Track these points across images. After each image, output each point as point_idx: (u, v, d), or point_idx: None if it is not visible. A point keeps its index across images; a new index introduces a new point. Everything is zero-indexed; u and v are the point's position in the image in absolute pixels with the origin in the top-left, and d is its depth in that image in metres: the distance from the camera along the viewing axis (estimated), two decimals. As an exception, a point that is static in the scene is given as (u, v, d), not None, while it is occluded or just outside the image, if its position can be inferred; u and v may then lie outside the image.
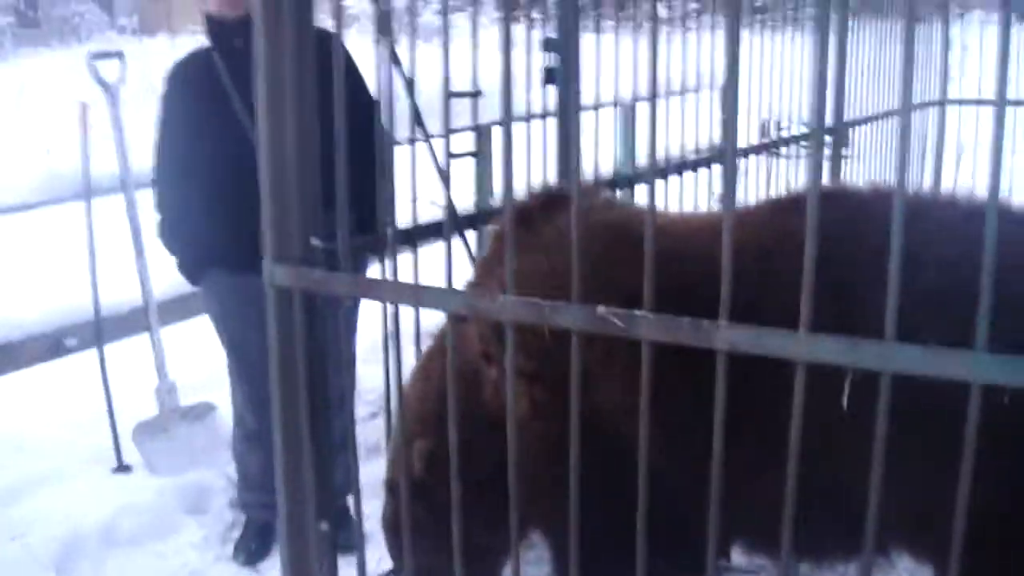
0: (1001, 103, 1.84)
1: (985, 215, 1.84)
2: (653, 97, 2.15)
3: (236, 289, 4.15)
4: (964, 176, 7.82)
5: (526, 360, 2.66)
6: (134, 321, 5.37)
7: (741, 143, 6.13)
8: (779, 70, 6.00)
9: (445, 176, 2.72)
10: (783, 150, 6.73)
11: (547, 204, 3.05)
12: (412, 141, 3.56)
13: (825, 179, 6.89)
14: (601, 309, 2.16)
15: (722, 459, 2.12)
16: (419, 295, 2.48)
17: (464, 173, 4.00)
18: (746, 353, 2.04)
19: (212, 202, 4.09)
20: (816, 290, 2.15)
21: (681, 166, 5.33)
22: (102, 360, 5.17)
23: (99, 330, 5.15)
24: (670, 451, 2.61)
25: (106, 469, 5.11)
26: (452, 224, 2.47)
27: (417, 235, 3.40)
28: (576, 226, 2.20)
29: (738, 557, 3.62)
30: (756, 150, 6.20)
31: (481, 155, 4.32)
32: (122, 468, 5.11)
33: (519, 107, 3.78)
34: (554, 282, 2.45)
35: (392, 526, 3.28)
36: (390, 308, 2.59)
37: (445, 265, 2.42)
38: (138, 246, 5.20)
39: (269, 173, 2.76)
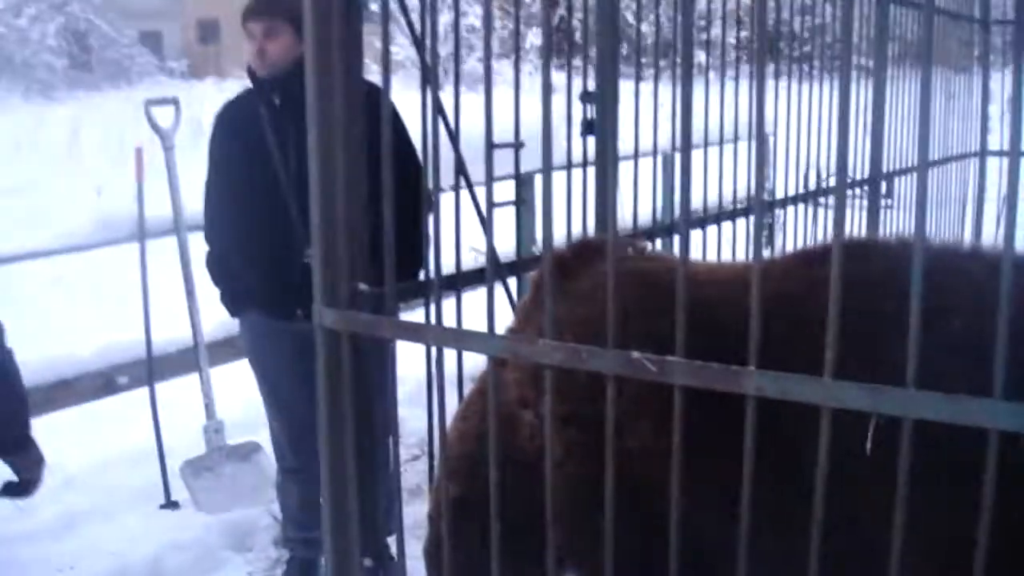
0: (1016, 153, 1.93)
1: (1005, 268, 1.93)
2: (687, 147, 2.26)
3: (270, 330, 4.26)
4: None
5: (560, 404, 2.75)
6: (184, 360, 5.51)
7: (781, 193, 6.20)
8: (822, 120, 6.03)
9: (487, 224, 2.81)
10: (823, 200, 6.78)
11: (583, 253, 3.14)
12: (456, 189, 3.71)
13: (865, 229, 6.95)
14: (635, 354, 2.25)
15: (751, 503, 2.21)
16: (461, 339, 2.59)
17: (506, 221, 4.10)
18: (773, 397, 2.13)
19: (246, 245, 4.22)
20: (843, 338, 2.23)
21: (720, 216, 5.40)
22: (152, 398, 5.31)
23: (150, 368, 5.29)
24: (698, 495, 2.68)
25: (154, 505, 5.23)
26: (493, 270, 2.57)
27: (460, 281, 3.51)
28: (610, 274, 2.31)
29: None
30: (795, 200, 6.24)
31: (522, 203, 4.44)
32: (170, 504, 5.23)
33: (559, 156, 3.89)
34: (588, 329, 2.54)
35: (432, 557, 3.36)
36: (433, 352, 2.70)
37: (487, 310, 2.53)
38: (189, 287, 5.35)
39: (320, 220, 2.88)
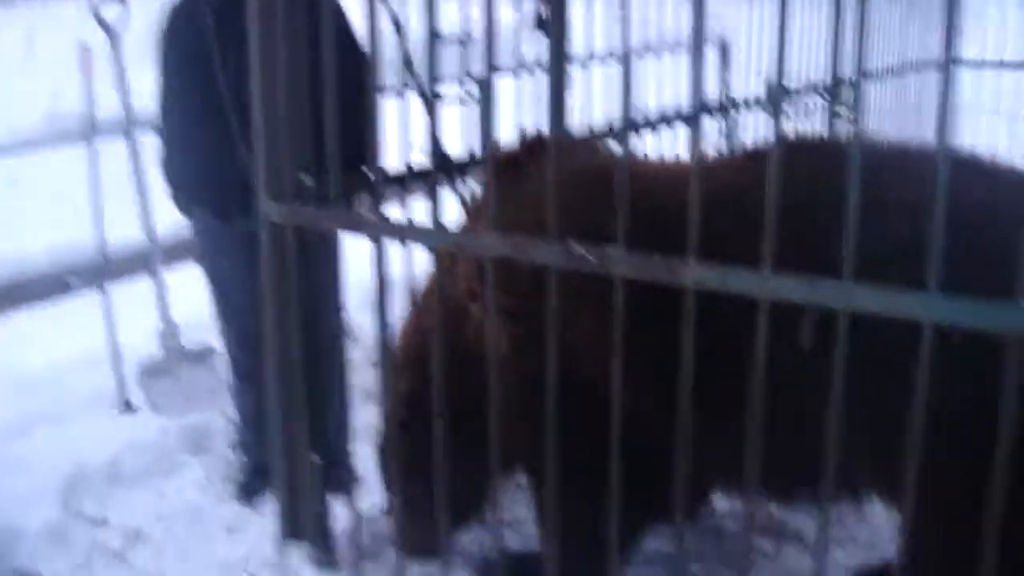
0: (947, 64, 1.93)
1: (941, 165, 1.93)
2: (627, 51, 2.23)
3: (218, 232, 4.21)
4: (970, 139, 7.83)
5: (506, 298, 2.74)
6: (138, 262, 5.43)
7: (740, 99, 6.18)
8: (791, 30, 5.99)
9: (433, 121, 2.78)
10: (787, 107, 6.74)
11: (534, 150, 3.12)
12: (404, 86, 3.65)
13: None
14: (576, 246, 2.24)
15: (690, 395, 2.21)
16: (405, 232, 2.57)
17: (456, 121, 4.04)
18: (713, 290, 2.12)
19: (185, 144, 4.16)
20: (784, 233, 2.23)
21: (673, 118, 5.37)
22: (107, 301, 5.25)
23: (103, 271, 5.22)
24: (642, 389, 2.69)
25: (110, 409, 5.19)
26: (438, 165, 2.55)
27: (408, 179, 3.48)
28: (553, 169, 2.29)
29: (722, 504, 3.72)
30: (753, 104, 6.23)
31: (472, 101, 4.35)
32: (127, 408, 5.20)
33: (512, 57, 3.84)
34: (536, 223, 2.52)
35: (384, 454, 3.37)
36: (377, 247, 2.66)
37: (431, 204, 2.51)
38: (141, 188, 5.25)
39: (262, 112, 2.84)
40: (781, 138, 2.09)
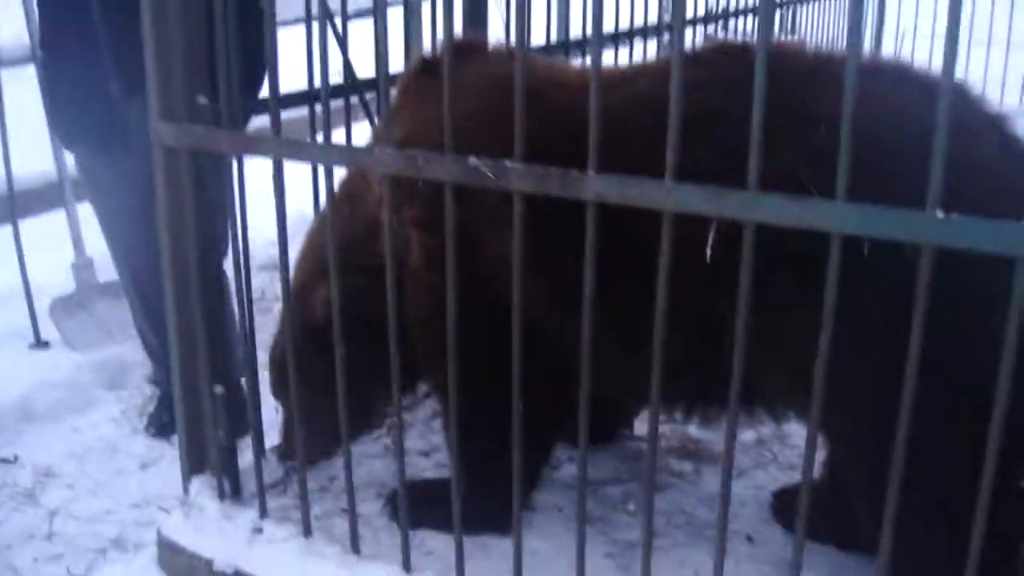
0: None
1: (873, 72, 1.84)
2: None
3: (100, 169, 4.03)
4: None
5: (421, 211, 2.64)
6: (49, 195, 5.28)
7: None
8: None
9: (341, 37, 2.67)
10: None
11: (457, 54, 2.95)
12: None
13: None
14: (472, 160, 2.14)
15: (592, 308, 2.13)
16: (299, 150, 2.45)
17: (364, 36, 3.88)
18: (614, 203, 2.03)
19: (65, 81, 3.96)
20: (695, 140, 2.15)
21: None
22: (16, 235, 5.08)
23: (12, 204, 5.05)
24: (552, 307, 2.61)
25: (23, 345, 5.04)
26: (348, 85, 2.42)
27: (312, 96, 3.35)
28: (446, 78, 2.17)
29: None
30: (696, 22, 6.19)
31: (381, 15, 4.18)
32: (39, 344, 5.06)
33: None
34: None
35: (275, 363, 3.25)
36: (276, 168, 2.55)
37: (322, 120, 2.40)
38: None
39: (152, 30, 2.70)
40: (679, 51, 1.97)
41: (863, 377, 2.25)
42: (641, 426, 3.66)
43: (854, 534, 2.88)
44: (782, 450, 3.55)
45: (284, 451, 3.32)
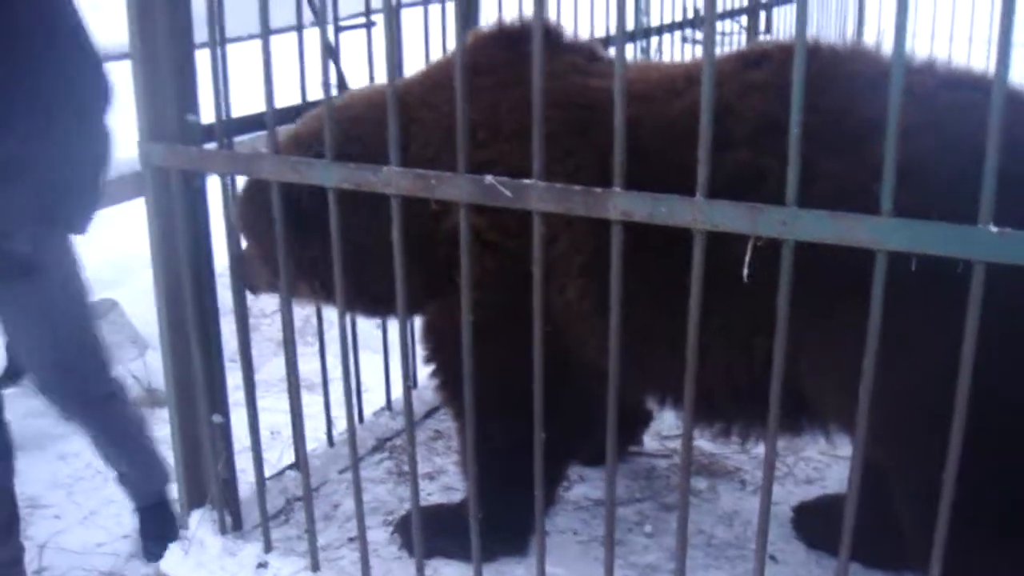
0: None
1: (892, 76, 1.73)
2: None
3: None
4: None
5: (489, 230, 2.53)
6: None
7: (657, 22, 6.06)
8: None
9: (331, 51, 2.54)
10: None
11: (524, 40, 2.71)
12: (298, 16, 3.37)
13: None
14: (489, 178, 2.02)
15: (620, 329, 2.02)
16: (299, 169, 2.33)
17: (356, 47, 3.75)
18: (642, 221, 1.92)
19: None
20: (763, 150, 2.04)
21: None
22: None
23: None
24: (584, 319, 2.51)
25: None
26: (329, 99, 2.30)
27: (304, 111, 3.22)
28: (460, 87, 2.05)
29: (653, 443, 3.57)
30: (672, 28, 6.10)
31: (373, 25, 4.05)
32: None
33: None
34: None
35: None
36: (277, 188, 2.42)
37: (327, 139, 2.27)
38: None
39: (140, 48, 2.57)
40: (710, 60, 1.85)
41: (915, 395, 2.15)
42: (651, 441, 3.56)
43: (880, 551, 2.79)
44: (797, 463, 3.44)
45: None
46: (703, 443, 3.44)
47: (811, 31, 7.71)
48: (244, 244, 2.95)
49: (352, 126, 2.66)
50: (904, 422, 2.20)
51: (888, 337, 1.85)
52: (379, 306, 2.88)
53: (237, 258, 2.75)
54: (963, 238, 1.72)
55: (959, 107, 2.12)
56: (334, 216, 2.32)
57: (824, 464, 3.43)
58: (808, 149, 1.82)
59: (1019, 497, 1.94)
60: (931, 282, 1.92)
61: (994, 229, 1.68)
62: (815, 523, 3.03)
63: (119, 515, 3.84)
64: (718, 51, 2.06)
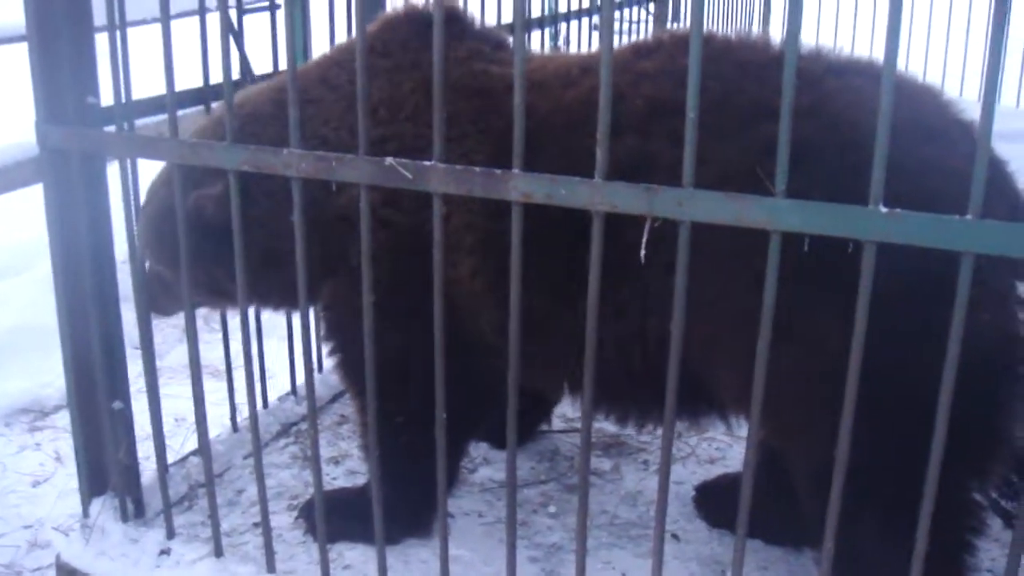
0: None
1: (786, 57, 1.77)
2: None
3: None
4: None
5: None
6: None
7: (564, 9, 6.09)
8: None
9: (234, 33, 2.52)
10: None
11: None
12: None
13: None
14: (389, 160, 2.03)
15: (520, 312, 2.03)
16: (198, 152, 2.31)
17: (261, 29, 3.72)
18: (541, 202, 1.94)
19: None
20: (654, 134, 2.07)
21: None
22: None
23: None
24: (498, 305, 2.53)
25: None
26: (230, 84, 2.28)
27: (208, 95, 3.19)
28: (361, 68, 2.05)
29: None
30: (579, 14, 6.14)
31: (277, 8, 4.00)
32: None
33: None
34: None
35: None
36: (176, 170, 2.40)
37: (227, 123, 2.26)
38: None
39: (36, 29, 2.52)
40: (607, 43, 1.88)
41: (810, 376, 2.20)
42: (558, 422, 3.59)
43: (782, 528, 2.85)
44: (699, 443, 3.50)
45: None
46: (607, 425, 3.48)
47: (714, 24, 7.84)
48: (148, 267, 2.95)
49: (247, 123, 2.66)
50: (796, 403, 2.25)
51: (779, 319, 1.89)
52: (288, 296, 2.87)
53: (140, 285, 2.71)
54: (854, 218, 1.76)
55: (846, 91, 2.19)
56: (235, 200, 2.31)
57: (726, 444, 3.49)
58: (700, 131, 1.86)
59: (907, 476, 1.99)
60: (821, 264, 1.97)
61: (884, 209, 1.73)
62: (717, 502, 3.09)
63: (18, 506, 3.77)
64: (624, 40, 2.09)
